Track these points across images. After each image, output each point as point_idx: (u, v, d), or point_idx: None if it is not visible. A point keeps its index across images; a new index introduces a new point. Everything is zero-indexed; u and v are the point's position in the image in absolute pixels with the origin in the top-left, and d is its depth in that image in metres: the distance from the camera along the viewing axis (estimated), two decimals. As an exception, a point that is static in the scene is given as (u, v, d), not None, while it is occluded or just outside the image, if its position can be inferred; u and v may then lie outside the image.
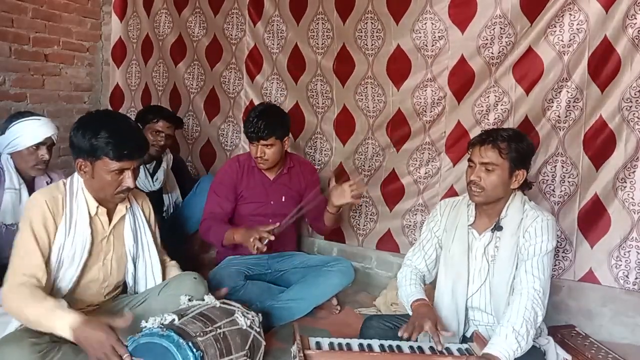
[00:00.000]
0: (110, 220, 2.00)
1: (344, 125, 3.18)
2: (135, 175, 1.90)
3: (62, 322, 1.65)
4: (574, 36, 2.49)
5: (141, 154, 1.91)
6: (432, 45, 2.84)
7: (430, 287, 2.15)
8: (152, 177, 3.11)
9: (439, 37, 2.81)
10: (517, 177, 1.93)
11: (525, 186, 2.01)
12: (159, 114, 3.07)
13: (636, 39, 2.37)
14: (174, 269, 2.23)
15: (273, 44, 3.34)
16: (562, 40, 2.52)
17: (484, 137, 1.95)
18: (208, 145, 3.67)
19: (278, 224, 2.44)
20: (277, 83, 3.37)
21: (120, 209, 2.02)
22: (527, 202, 1.98)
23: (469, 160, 1.99)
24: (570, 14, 2.49)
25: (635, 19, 2.37)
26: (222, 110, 3.58)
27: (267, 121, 2.60)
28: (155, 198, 2.99)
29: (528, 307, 1.78)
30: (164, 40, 3.71)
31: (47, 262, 1.84)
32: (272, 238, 2.39)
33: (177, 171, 3.32)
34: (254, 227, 2.45)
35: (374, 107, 3.07)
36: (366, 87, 3.07)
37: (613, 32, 2.41)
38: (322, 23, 3.15)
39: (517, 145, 1.90)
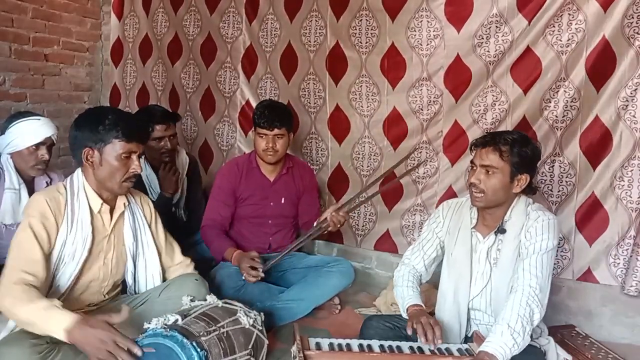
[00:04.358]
0: (111, 217, 2.01)
1: (338, 125, 3.16)
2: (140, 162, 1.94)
3: (56, 323, 1.58)
4: (572, 36, 2.50)
5: (146, 138, 2.07)
6: (427, 44, 2.82)
7: (432, 288, 2.13)
8: None
9: (434, 35, 2.79)
10: (519, 182, 1.91)
11: (529, 191, 1.98)
12: (151, 120, 2.79)
13: (632, 38, 2.38)
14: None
15: (267, 43, 3.32)
16: (561, 40, 2.52)
17: (487, 139, 1.93)
18: (205, 145, 3.65)
19: (263, 264, 2.46)
20: (271, 82, 3.35)
21: (119, 206, 2.03)
22: (531, 205, 1.97)
23: (471, 162, 1.98)
24: (569, 14, 2.49)
25: (634, 18, 2.37)
26: (218, 110, 3.56)
27: (278, 111, 2.69)
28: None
29: (523, 303, 1.78)
30: (162, 40, 3.70)
31: (48, 258, 1.83)
32: (262, 275, 2.43)
33: (188, 176, 3.12)
34: (247, 255, 2.48)
35: (368, 107, 3.04)
36: (360, 86, 3.04)
37: (611, 32, 2.41)
38: (316, 20, 3.12)
39: (520, 149, 1.88)
